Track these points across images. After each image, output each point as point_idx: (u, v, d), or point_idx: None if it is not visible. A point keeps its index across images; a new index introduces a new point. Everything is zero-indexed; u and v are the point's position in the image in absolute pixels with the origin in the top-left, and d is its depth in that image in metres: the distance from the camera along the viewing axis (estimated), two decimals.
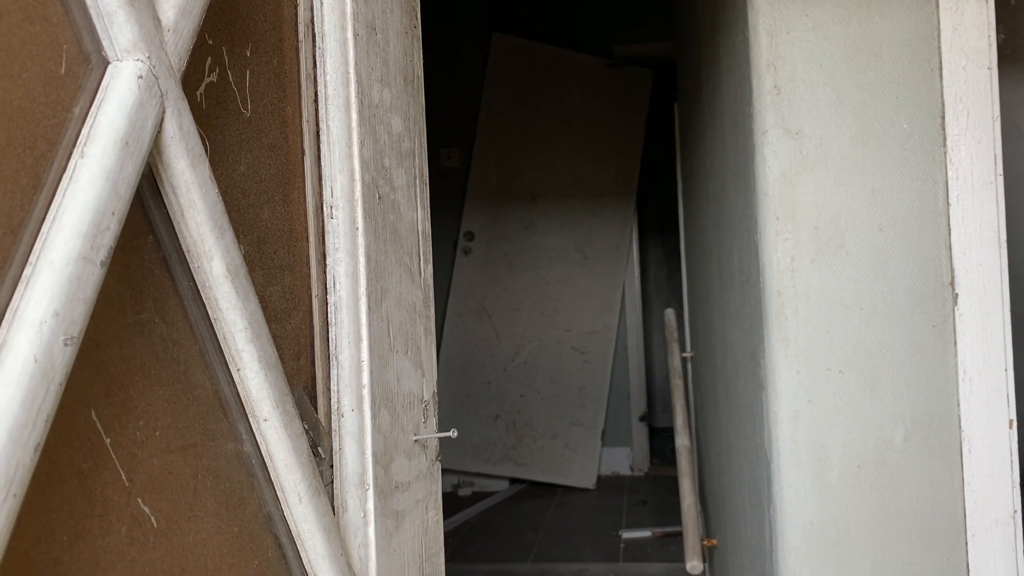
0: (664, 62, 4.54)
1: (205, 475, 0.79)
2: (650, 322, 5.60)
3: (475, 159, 4.52)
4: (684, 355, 3.33)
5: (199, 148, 0.73)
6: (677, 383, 3.00)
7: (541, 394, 4.44)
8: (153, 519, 0.72)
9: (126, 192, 0.64)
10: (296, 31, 0.97)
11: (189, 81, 0.78)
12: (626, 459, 4.64)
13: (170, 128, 0.70)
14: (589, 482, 4.36)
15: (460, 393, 4.48)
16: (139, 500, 0.71)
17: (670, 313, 3.31)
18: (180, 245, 0.74)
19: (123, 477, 0.69)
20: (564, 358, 4.45)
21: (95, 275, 0.61)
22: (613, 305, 4.45)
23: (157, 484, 0.73)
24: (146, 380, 0.72)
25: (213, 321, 0.77)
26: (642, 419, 4.65)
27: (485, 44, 4.51)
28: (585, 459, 4.38)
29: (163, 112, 0.69)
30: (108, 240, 0.62)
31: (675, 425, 2.87)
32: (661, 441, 5.21)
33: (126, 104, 0.65)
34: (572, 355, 4.45)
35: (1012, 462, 1.46)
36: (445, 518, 3.89)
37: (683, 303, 3.59)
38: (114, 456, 0.68)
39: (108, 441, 0.68)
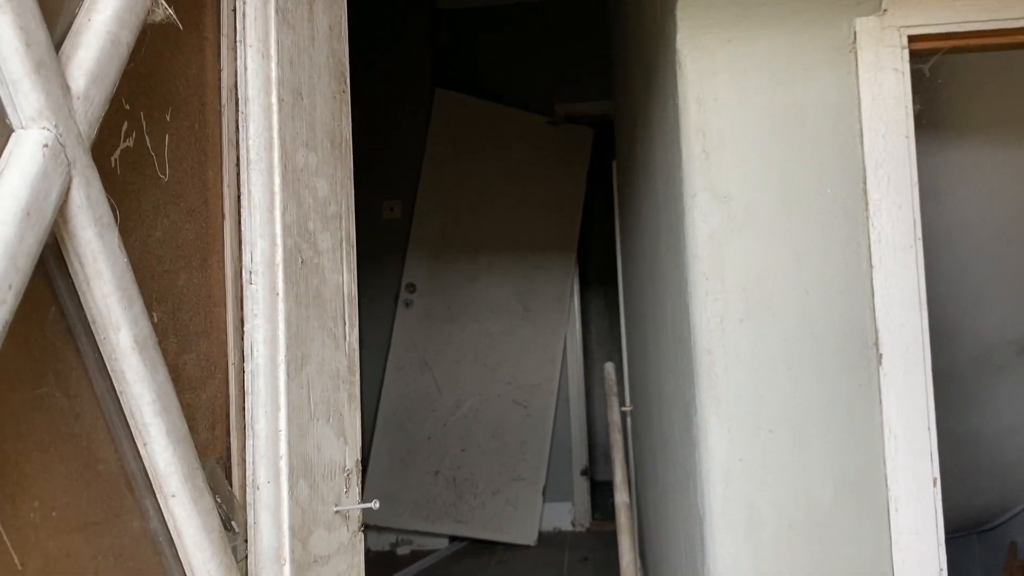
0: (604, 120, 4.63)
1: (107, 555, 0.75)
2: (591, 375, 5.61)
3: (417, 211, 4.52)
4: (624, 409, 3.34)
5: (108, 217, 0.71)
6: (616, 437, 3.00)
7: (482, 449, 4.39)
8: None
9: (25, 264, 0.62)
10: (219, 96, 0.96)
11: (103, 147, 0.77)
12: (568, 514, 4.60)
13: (77, 197, 0.68)
14: (530, 539, 4.31)
15: (400, 448, 4.40)
16: None
17: (609, 367, 3.32)
18: (86, 316, 0.72)
19: (15, 561, 0.66)
20: (506, 412, 4.42)
21: None
22: (555, 358, 4.45)
23: (53, 567, 0.69)
24: (44, 457, 0.69)
25: (119, 394, 0.74)
26: (583, 473, 4.62)
27: (428, 99, 4.55)
28: (526, 515, 4.33)
29: (70, 181, 0.67)
30: (3, 314, 0.60)
31: (615, 481, 2.85)
32: (603, 495, 5.18)
33: (29, 174, 0.63)
34: (514, 408, 4.42)
35: (937, 520, 1.48)
36: None
37: (623, 356, 3.61)
38: (6, 539, 0.65)
39: None
